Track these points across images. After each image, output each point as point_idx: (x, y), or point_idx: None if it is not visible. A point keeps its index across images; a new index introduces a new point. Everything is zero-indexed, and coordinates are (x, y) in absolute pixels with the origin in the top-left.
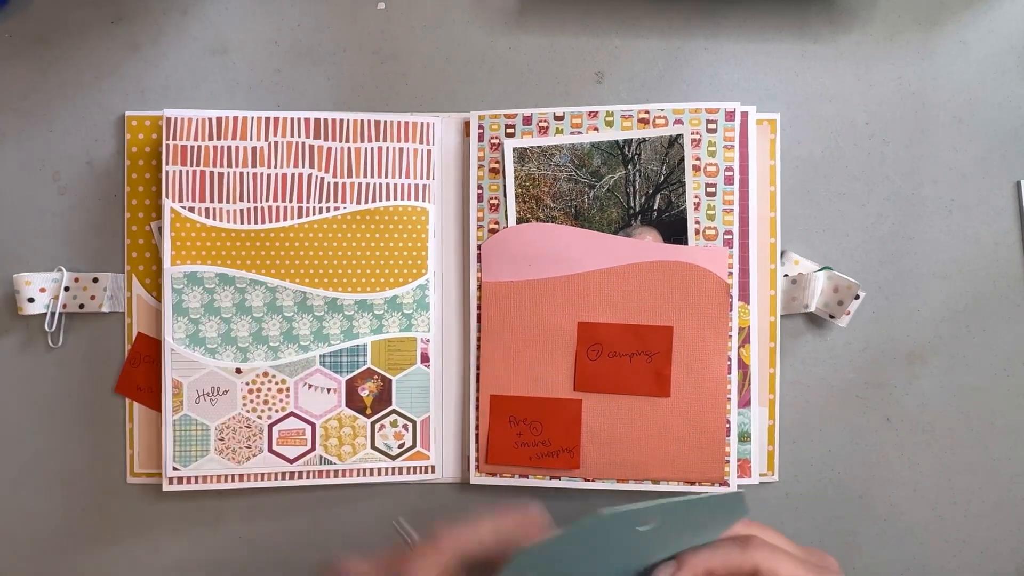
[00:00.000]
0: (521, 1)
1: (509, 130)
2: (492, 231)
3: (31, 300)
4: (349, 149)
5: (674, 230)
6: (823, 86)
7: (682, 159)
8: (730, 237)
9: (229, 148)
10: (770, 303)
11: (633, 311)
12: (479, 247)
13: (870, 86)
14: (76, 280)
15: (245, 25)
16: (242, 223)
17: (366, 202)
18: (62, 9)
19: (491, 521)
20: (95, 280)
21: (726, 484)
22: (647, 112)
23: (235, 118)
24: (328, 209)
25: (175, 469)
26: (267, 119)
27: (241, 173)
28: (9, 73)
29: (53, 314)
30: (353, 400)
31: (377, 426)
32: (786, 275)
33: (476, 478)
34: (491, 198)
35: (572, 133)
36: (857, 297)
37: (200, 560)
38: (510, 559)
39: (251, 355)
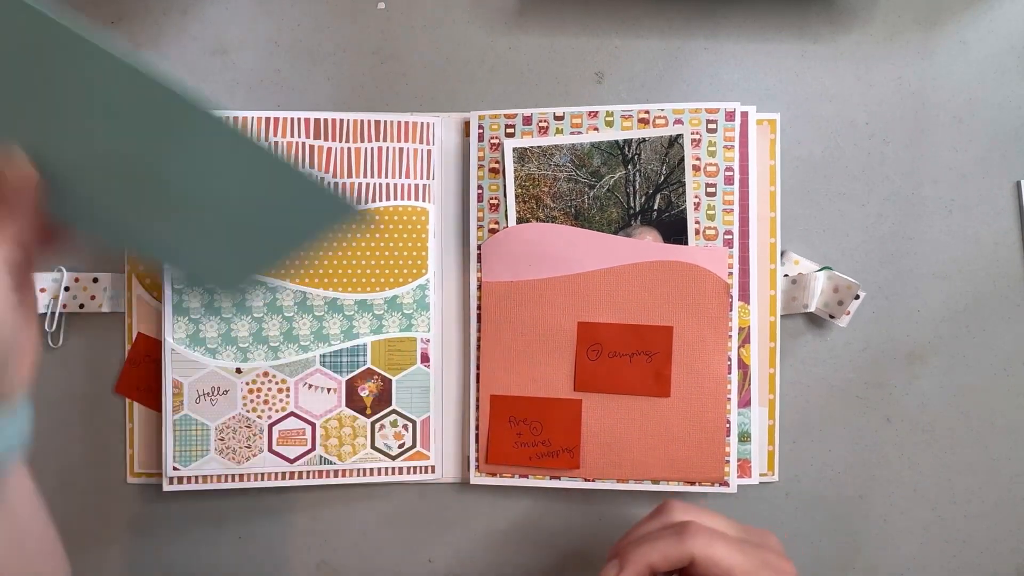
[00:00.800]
0: (521, 1)
1: (509, 130)
2: (492, 231)
3: None
4: (349, 149)
5: (674, 230)
6: (823, 86)
7: (682, 159)
8: (730, 237)
9: None
10: (770, 303)
11: (633, 311)
12: (479, 247)
13: (870, 86)
14: (76, 280)
15: (245, 25)
16: None
17: (366, 202)
18: (62, 9)
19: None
20: (95, 280)
21: (726, 484)
22: (647, 112)
23: (235, 118)
24: None
25: (175, 469)
26: (267, 119)
27: None
28: None
29: (53, 314)
30: (353, 400)
31: (377, 426)
32: (786, 275)
33: (476, 478)
34: (491, 198)
35: (572, 133)
36: (857, 297)
37: (200, 560)
38: None
39: (251, 355)
